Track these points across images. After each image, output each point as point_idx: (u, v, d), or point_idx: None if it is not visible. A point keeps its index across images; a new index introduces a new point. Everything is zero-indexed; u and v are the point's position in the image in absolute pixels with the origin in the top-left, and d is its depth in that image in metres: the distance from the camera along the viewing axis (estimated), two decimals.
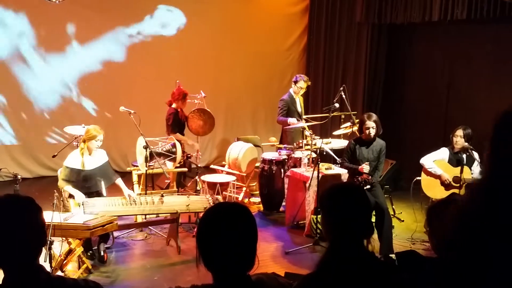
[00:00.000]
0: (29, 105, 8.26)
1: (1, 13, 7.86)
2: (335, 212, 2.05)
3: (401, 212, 6.91)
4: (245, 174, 7.25)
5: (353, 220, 2.02)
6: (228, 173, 7.20)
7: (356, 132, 6.84)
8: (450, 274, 1.66)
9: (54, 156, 6.54)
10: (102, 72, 8.60)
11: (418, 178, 6.15)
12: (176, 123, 6.94)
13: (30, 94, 8.24)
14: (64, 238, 4.96)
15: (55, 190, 4.96)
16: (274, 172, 6.88)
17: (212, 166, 7.86)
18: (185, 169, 7.01)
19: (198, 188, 7.10)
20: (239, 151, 7.18)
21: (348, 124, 7.17)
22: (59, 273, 4.74)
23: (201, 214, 6.02)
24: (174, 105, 6.96)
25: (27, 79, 8.17)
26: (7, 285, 1.77)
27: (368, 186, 5.57)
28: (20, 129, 8.26)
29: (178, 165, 6.64)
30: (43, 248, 1.91)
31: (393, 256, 5.12)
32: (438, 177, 5.96)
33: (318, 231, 5.85)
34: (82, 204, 5.14)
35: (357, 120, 6.52)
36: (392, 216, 6.13)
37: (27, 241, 1.79)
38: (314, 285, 1.95)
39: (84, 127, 6.40)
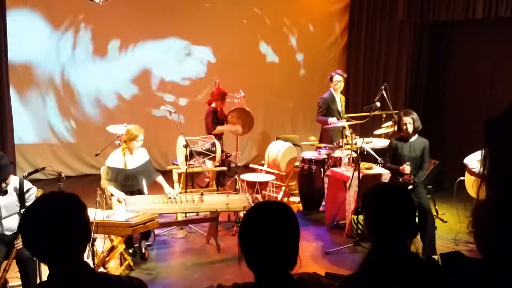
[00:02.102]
0: (74, 105, 8.48)
1: (52, 18, 8.11)
2: (378, 212, 2.01)
3: (444, 213, 6.75)
4: (284, 174, 7.22)
5: (397, 221, 1.98)
6: (267, 172, 7.19)
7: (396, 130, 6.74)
8: (496, 277, 1.60)
9: (97, 155, 6.70)
10: (143, 73, 8.73)
11: (462, 178, 6.00)
12: (215, 121, 6.98)
13: (74, 94, 8.46)
14: (106, 235, 5.06)
15: (98, 188, 5.06)
16: (313, 171, 6.83)
17: (251, 165, 7.86)
18: (225, 168, 7.05)
19: (237, 187, 7.12)
20: (279, 150, 7.15)
21: (390, 123, 7.05)
22: (101, 269, 4.84)
23: (240, 213, 6.12)
24: (213, 105, 7.00)
25: (72, 80, 8.40)
26: (52, 281, 1.79)
27: (410, 187, 5.45)
28: (63, 129, 8.49)
29: (218, 164, 6.68)
30: (87, 245, 1.92)
31: (436, 257, 5.01)
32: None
33: (359, 231, 5.77)
34: (124, 200, 5.23)
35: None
36: (435, 217, 5.99)
37: (72, 237, 1.80)
38: (357, 286, 1.91)
39: (126, 126, 6.52)
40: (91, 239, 4.48)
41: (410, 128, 5.55)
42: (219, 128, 6.96)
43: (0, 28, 7.30)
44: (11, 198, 4.29)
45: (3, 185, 4.18)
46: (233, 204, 5.76)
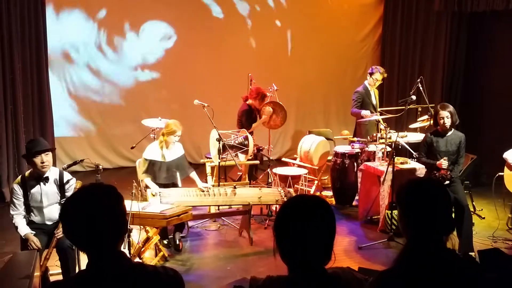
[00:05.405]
0: (110, 98, 8.65)
1: (88, 9, 8.28)
2: (413, 207, 1.98)
3: (481, 209, 6.60)
4: (317, 168, 7.19)
5: (432, 217, 1.95)
6: (299, 166, 7.18)
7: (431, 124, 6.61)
8: None
9: (132, 148, 6.84)
10: (177, 67, 8.82)
11: (500, 173, 5.85)
12: (249, 120, 7.00)
13: (110, 87, 8.63)
14: (142, 227, 5.15)
15: (133, 180, 5.16)
16: (346, 165, 6.78)
17: (283, 159, 7.86)
18: (257, 162, 7.06)
19: (269, 180, 7.13)
20: (311, 144, 7.12)
21: (426, 117, 6.92)
22: (137, 259, 4.94)
23: (272, 207, 6.12)
24: (249, 101, 7.02)
25: (109, 72, 8.57)
26: (91, 270, 1.85)
27: (446, 182, 5.35)
28: (101, 122, 8.67)
29: (250, 157, 6.71)
30: (124, 235, 1.96)
31: (473, 254, 4.91)
32: None
33: (393, 226, 5.70)
34: (159, 194, 5.31)
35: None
36: (472, 213, 5.87)
37: (110, 227, 1.85)
38: (392, 281, 1.89)
39: (160, 120, 6.62)
40: (128, 230, 4.57)
41: (447, 122, 5.42)
42: (253, 126, 6.98)
43: (40, 23, 7.49)
44: (52, 188, 4.43)
45: (44, 167, 4.30)
46: (266, 198, 5.78)
